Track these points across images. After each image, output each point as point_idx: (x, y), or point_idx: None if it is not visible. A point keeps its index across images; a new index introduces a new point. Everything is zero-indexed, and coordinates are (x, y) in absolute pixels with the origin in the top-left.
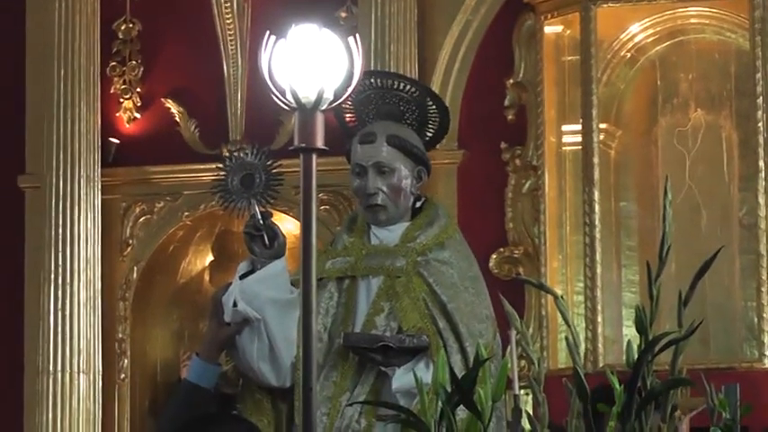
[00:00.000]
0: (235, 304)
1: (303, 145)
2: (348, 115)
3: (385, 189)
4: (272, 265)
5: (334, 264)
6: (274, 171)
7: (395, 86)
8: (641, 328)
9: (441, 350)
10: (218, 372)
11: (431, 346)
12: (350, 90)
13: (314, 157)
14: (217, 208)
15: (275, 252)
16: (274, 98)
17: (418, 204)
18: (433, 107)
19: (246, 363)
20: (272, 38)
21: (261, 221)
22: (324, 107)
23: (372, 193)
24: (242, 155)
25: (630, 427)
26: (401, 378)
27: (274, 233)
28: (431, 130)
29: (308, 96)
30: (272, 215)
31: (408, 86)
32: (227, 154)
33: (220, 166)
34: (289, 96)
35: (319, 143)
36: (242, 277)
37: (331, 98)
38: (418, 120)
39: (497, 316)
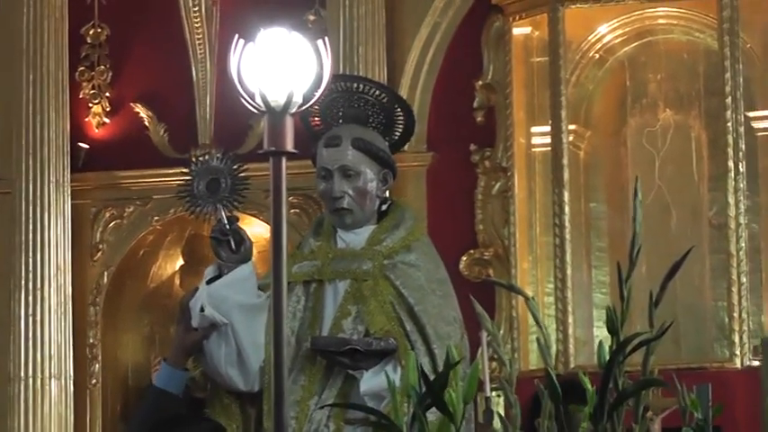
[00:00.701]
0: (202, 309)
1: (273, 148)
2: (313, 118)
3: (351, 192)
4: (238, 269)
5: (300, 268)
6: (240, 175)
7: (360, 89)
8: (613, 328)
9: (410, 352)
10: (186, 377)
11: (398, 349)
12: (319, 93)
13: (283, 160)
14: (187, 212)
15: (242, 256)
16: (244, 102)
17: (384, 207)
18: (399, 110)
19: (214, 368)
20: (241, 41)
21: (227, 226)
22: (293, 110)
23: (338, 197)
24: (207, 159)
25: (602, 428)
26: (369, 381)
27: (241, 238)
28: (396, 133)
29: (277, 100)
30: (238, 220)
31: (373, 89)
32: (193, 159)
33: (185, 170)
34: (258, 100)
35: (289, 146)
36: (209, 282)
37: (300, 101)
38: (384, 123)
39: (468, 318)
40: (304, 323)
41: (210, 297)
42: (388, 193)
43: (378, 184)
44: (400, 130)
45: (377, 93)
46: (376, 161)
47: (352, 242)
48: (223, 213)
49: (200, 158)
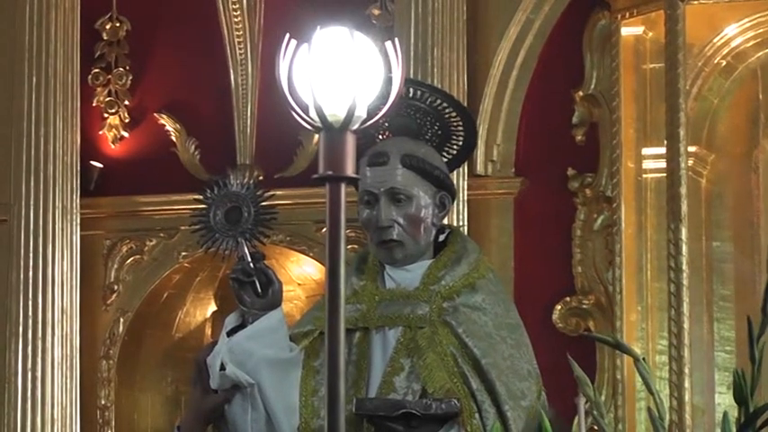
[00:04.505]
0: (222, 367)
1: (330, 172)
2: None
3: (401, 221)
4: (266, 317)
5: None
6: (265, 203)
7: (410, 95)
8: (740, 396)
9: (477, 416)
10: None
11: (463, 412)
12: (387, 107)
13: (342, 186)
14: (202, 248)
15: (270, 302)
16: (295, 116)
17: (441, 238)
18: (457, 119)
19: None
20: (293, 42)
21: (251, 264)
22: (355, 127)
23: (386, 227)
24: (226, 183)
25: None
26: None
27: (268, 279)
28: (454, 148)
29: (335, 114)
30: (264, 257)
31: (426, 94)
32: (215, 182)
33: (199, 197)
34: (312, 113)
35: (350, 170)
36: (230, 333)
37: (364, 116)
38: (439, 135)
39: (559, 377)
40: (347, 381)
41: (232, 352)
42: (446, 221)
43: (434, 210)
44: (459, 143)
45: (430, 98)
46: (431, 182)
47: (404, 281)
48: (246, 249)
49: (218, 182)
